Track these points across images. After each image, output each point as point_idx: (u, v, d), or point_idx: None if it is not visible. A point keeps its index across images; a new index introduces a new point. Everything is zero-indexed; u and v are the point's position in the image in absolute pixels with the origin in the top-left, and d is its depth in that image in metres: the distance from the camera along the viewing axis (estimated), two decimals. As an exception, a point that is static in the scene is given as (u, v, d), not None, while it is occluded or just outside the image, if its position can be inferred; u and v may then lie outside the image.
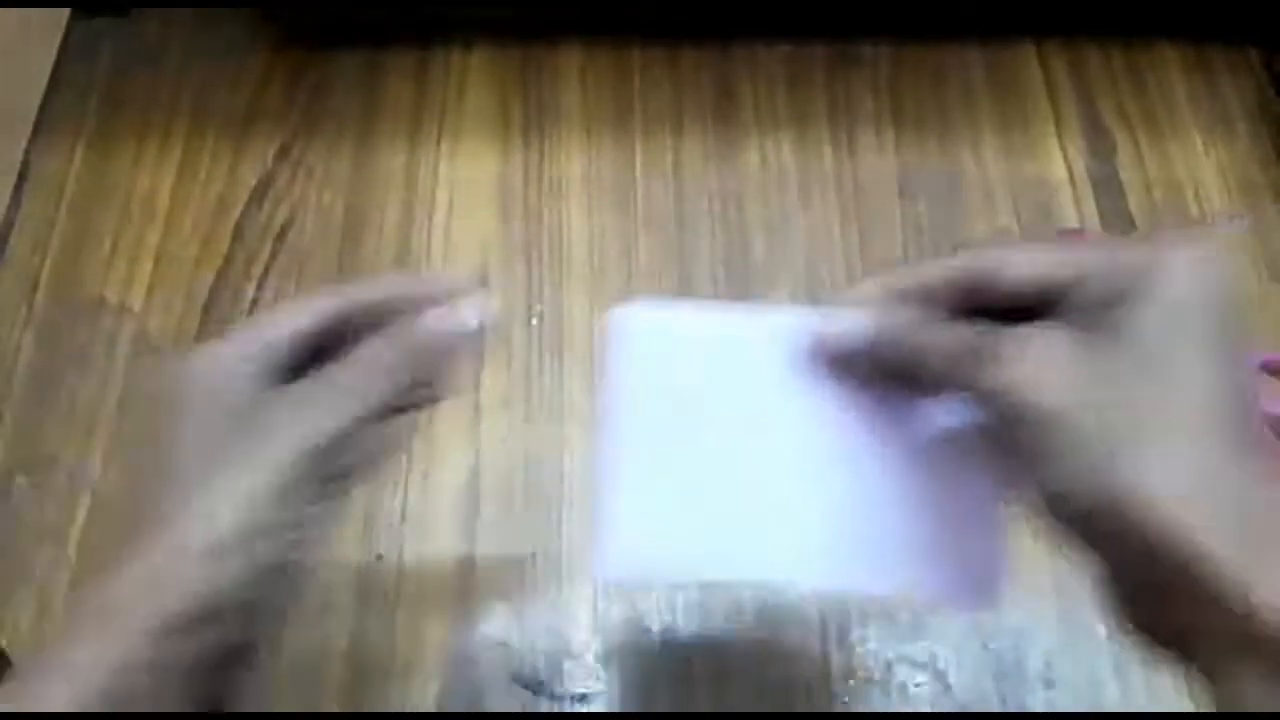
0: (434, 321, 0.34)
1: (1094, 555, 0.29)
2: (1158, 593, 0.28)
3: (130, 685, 0.28)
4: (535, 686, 0.52)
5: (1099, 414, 0.27)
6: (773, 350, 0.36)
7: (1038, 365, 0.29)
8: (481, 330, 0.34)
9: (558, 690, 0.52)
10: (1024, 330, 0.30)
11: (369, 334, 0.33)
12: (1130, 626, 0.30)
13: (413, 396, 0.34)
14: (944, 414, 0.35)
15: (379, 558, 0.54)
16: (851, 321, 0.34)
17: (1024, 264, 0.31)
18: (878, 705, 0.51)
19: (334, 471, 0.32)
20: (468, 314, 0.34)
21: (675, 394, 0.37)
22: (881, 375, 0.34)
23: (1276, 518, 0.26)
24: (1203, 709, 0.30)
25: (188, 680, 0.30)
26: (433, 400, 0.37)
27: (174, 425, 0.31)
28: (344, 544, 0.54)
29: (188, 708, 0.30)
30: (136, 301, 0.61)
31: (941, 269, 0.33)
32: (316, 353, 0.34)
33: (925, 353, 0.32)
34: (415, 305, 0.34)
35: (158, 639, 0.29)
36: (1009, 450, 0.30)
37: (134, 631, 0.29)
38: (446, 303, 0.34)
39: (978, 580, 0.36)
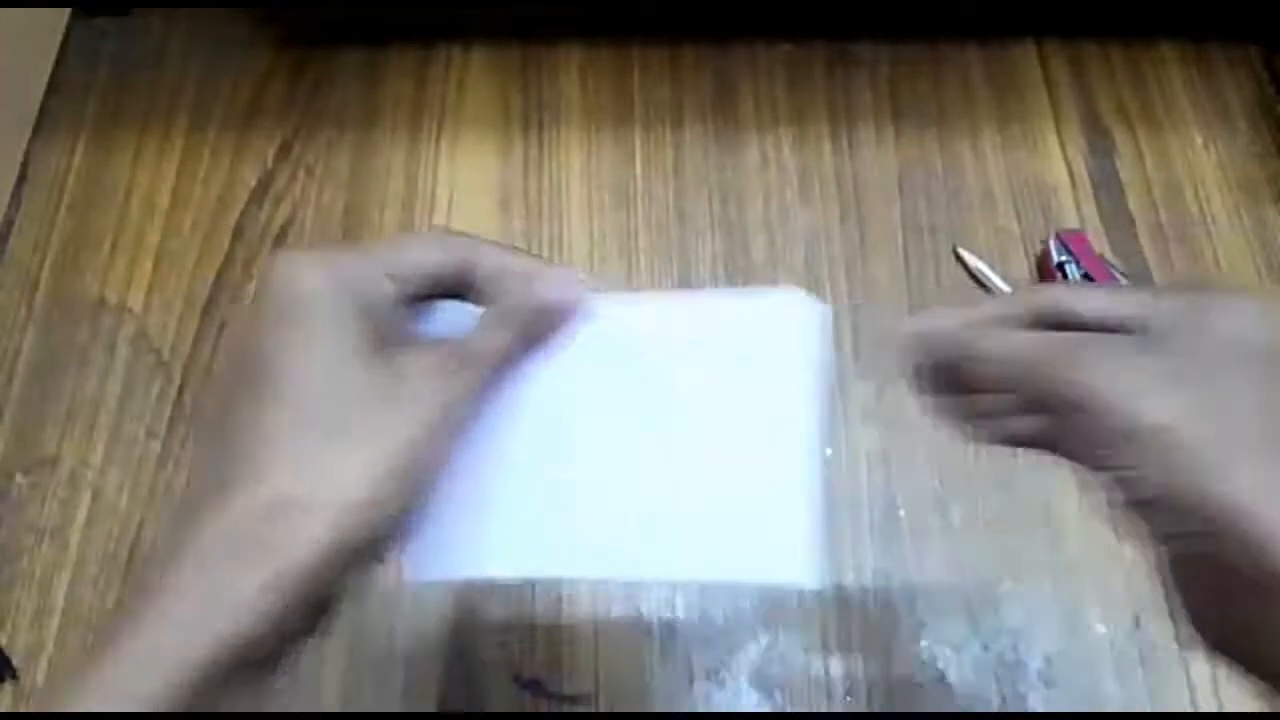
0: (551, 288, 0.33)
1: (1181, 562, 0.30)
2: (1239, 596, 0.28)
3: (284, 622, 0.27)
4: (535, 686, 0.52)
5: (1193, 425, 0.28)
6: (594, 339, 0.35)
7: (1124, 369, 0.29)
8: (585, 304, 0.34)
9: (558, 690, 0.52)
10: (1102, 334, 0.31)
11: (483, 290, 0.33)
12: (1206, 631, 0.31)
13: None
14: (757, 389, 0.35)
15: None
16: (943, 321, 0.34)
17: (1101, 299, 0.32)
18: (878, 705, 0.51)
19: (473, 417, 0.32)
20: (574, 286, 0.34)
21: (555, 385, 0.35)
22: (947, 377, 0.34)
23: None
24: (1202, 709, 0.30)
25: (322, 612, 0.29)
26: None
27: (332, 337, 0.29)
28: (344, 543, 0.54)
29: (303, 643, 0.29)
30: (136, 301, 0.61)
31: (1020, 303, 0.34)
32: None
33: (1010, 350, 0.32)
34: (525, 274, 0.33)
35: (317, 569, 0.27)
36: (1079, 453, 0.30)
37: (291, 565, 0.27)
38: (549, 278, 0.33)
39: (794, 553, 0.35)
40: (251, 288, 0.62)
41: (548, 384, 0.35)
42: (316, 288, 0.29)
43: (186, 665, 0.26)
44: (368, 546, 0.28)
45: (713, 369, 0.36)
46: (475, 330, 0.32)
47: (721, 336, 0.37)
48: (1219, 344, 0.30)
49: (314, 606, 0.28)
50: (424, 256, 0.32)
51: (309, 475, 0.28)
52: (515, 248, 0.34)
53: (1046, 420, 0.32)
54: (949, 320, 0.34)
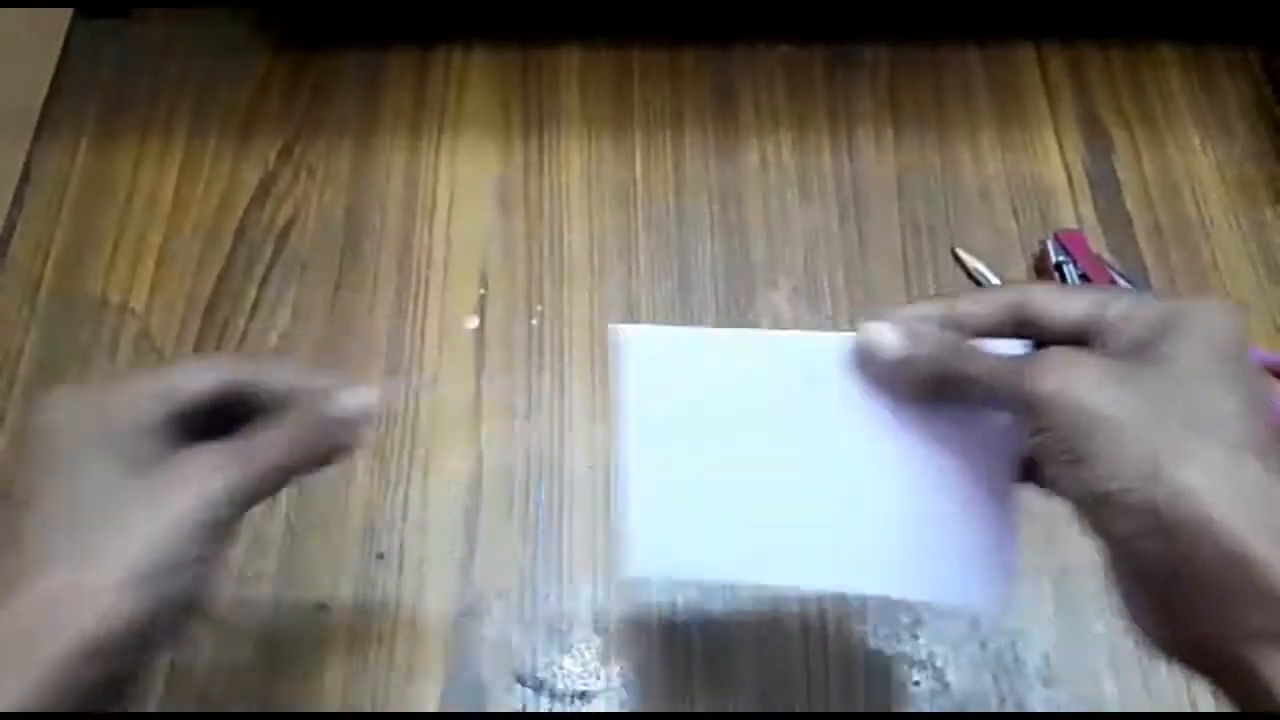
0: (342, 403, 0.36)
1: (1127, 558, 0.31)
2: (1191, 592, 0.29)
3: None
4: (535, 686, 0.52)
5: (1144, 424, 0.29)
6: (778, 367, 0.38)
7: (1085, 375, 0.31)
8: (373, 419, 0.37)
9: (558, 689, 0.52)
10: (1068, 349, 0.32)
11: (270, 409, 0.36)
12: (1151, 630, 0.32)
13: (308, 469, 0.37)
14: (956, 424, 0.36)
15: (379, 557, 0.54)
16: (891, 335, 0.35)
17: (1067, 302, 0.34)
18: (878, 704, 0.51)
19: (236, 521, 0.34)
20: (366, 400, 0.37)
21: (687, 408, 0.38)
22: (918, 389, 0.35)
23: None
24: (1201, 709, 0.30)
25: (84, 705, 0.30)
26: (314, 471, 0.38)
27: (80, 463, 0.32)
28: (344, 544, 0.55)
29: None
30: (139, 302, 0.62)
31: (986, 302, 0.35)
32: (208, 416, 0.36)
33: (968, 363, 0.34)
34: (314, 391, 0.36)
35: (61, 668, 0.29)
36: (1047, 456, 0.31)
37: (39, 662, 0.29)
38: (341, 393, 0.36)
39: (986, 582, 0.37)
40: (254, 288, 0.62)
41: (762, 407, 0.38)
42: (62, 420, 0.33)
43: None
44: (116, 652, 0.30)
45: (920, 403, 0.37)
46: (252, 433, 0.35)
47: None
48: (1184, 349, 0.31)
49: (71, 703, 0.30)
50: (191, 382, 0.35)
51: (56, 591, 0.30)
52: (302, 369, 0.37)
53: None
54: (925, 325, 0.35)
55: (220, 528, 0.33)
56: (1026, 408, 0.31)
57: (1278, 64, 0.70)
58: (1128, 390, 0.30)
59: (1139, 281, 0.63)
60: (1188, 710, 0.51)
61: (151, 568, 0.31)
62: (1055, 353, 0.32)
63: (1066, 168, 0.67)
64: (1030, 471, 0.36)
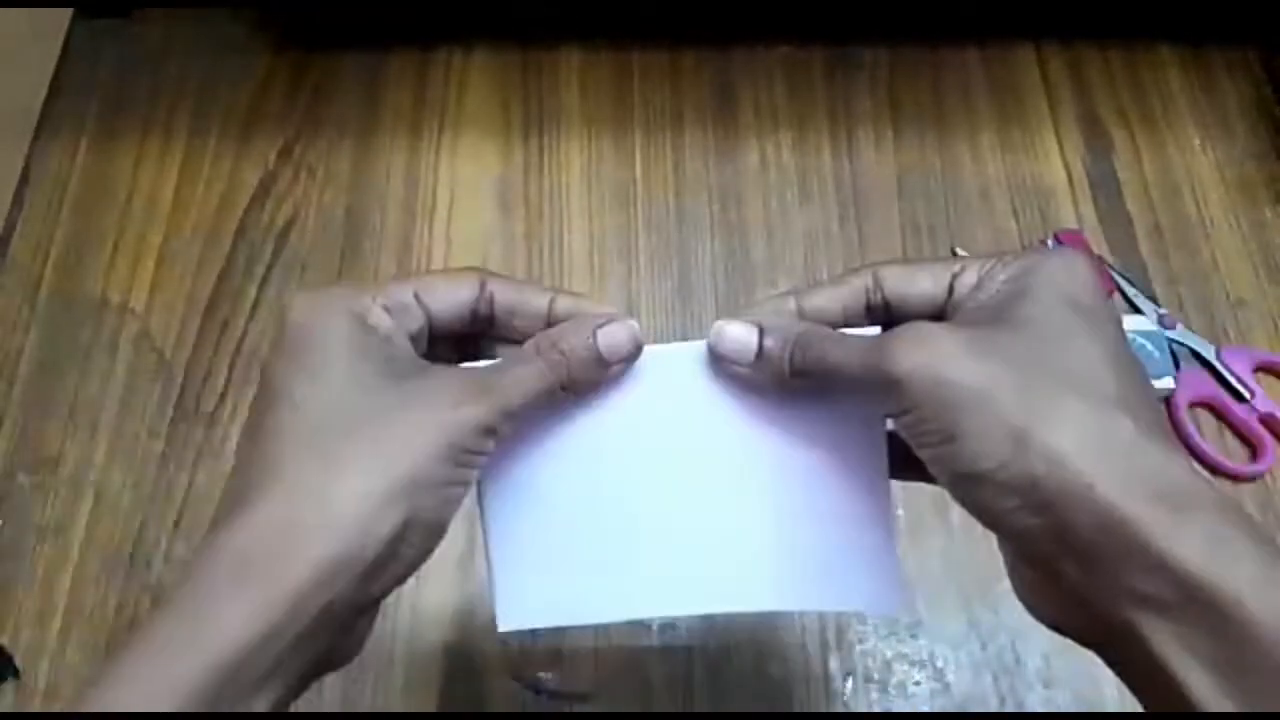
0: (612, 337, 0.34)
1: (1009, 534, 0.29)
2: (1075, 562, 0.28)
3: (271, 646, 0.27)
4: (535, 686, 0.52)
5: (1009, 392, 0.28)
6: (631, 384, 0.36)
7: (943, 348, 0.29)
8: (636, 355, 0.35)
9: (558, 690, 0.52)
10: (921, 323, 0.31)
11: (522, 333, 0.34)
12: (1040, 606, 0.31)
13: (563, 401, 0.35)
14: (820, 423, 0.35)
15: None
16: (745, 331, 0.34)
17: (916, 276, 0.33)
18: (878, 705, 0.51)
19: (485, 449, 0.31)
20: (629, 336, 0.34)
21: (541, 437, 0.35)
22: (778, 385, 0.34)
23: (1187, 481, 0.27)
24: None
25: (325, 633, 0.28)
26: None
27: (334, 366, 0.30)
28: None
29: (311, 664, 0.29)
30: (139, 302, 0.62)
31: (837, 290, 0.34)
32: (463, 333, 0.34)
33: (827, 350, 0.32)
34: (576, 324, 0.34)
35: (304, 588, 0.27)
36: (916, 438, 0.30)
37: (286, 582, 0.27)
38: (605, 328, 0.34)
39: (875, 582, 0.37)
40: (254, 288, 0.62)
41: (614, 429, 0.36)
42: (323, 322, 0.31)
43: (171, 687, 0.26)
44: (366, 569, 0.28)
45: (780, 407, 0.36)
46: (503, 364, 0.33)
47: None
48: (1040, 307, 0.30)
49: (314, 632, 0.28)
50: (454, 292, 0.33)
51: (304, 498, 0.28)
52: (566, 291, 0.35)
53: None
54: (777, 319, 0.34)
55: (470, 454, 0.30)
56: (887, 388, 0.29)
57: (1277, 64, 0.71)
58: (989, 359, 0.29)
59: (1139, 281, 0.63)
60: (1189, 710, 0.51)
61: (403, 483, 0.29)
62: (910, 328, 0.30)
63: (1066, 168, 0.67)
64: (907, 463, 0.34)
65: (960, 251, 0.63)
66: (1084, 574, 0.28)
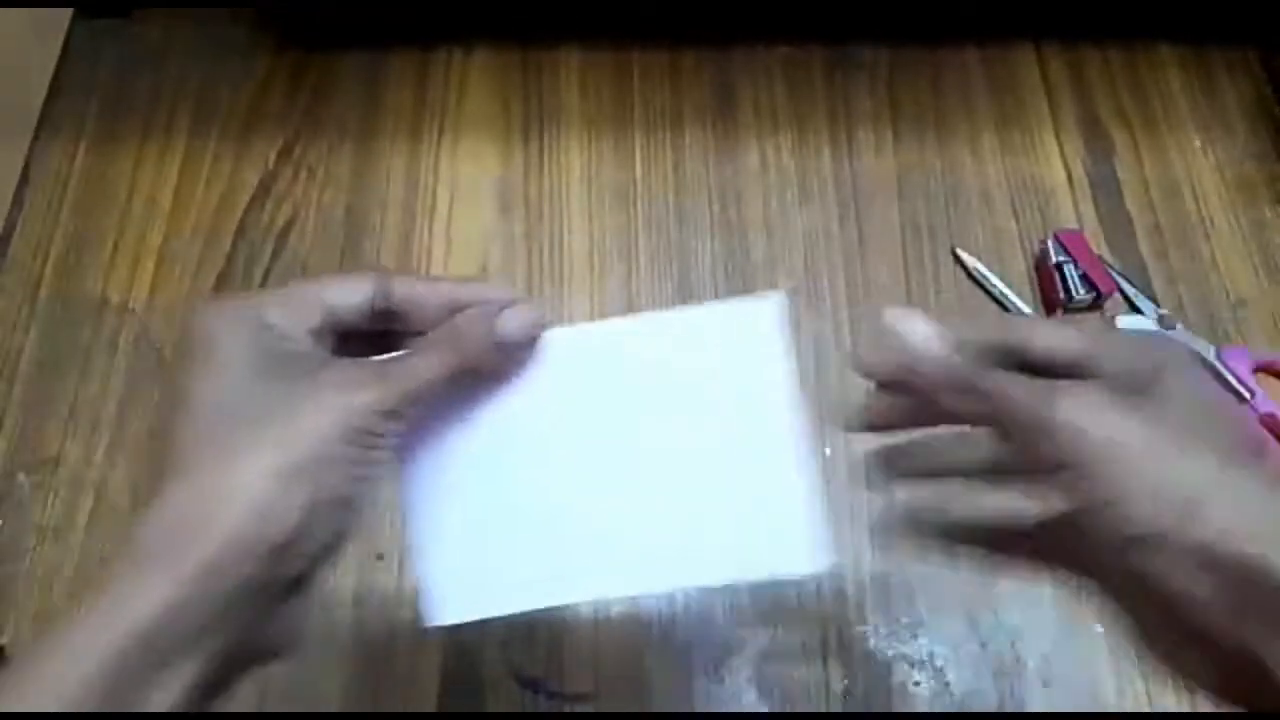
0: (507, 323, 0.34)
1: (1172, 597, 0.29)
2: (1241, 621, 0.29)
3: (182, 618, 0.28)
4: (535, 686, 0.52)
5: (1174, 458, 0.29)
6: (559, 365, 0.36)
7: (1106, 409, 0.30)
8: (536, 340, 0.36)
9: (558, 690, 0.52)
10: (1081, 381, 0.32)
11: (428, 325, 0.35)
12: (1188, 664, 0.32)
13: (464, 386, 0.36)
14: (734, 394, 0.36)
15: (379, 558, 0.54)
16: (934, 330, 0.34)
17: (1056, 337, 0.33)
18: (878, 705, 0.51)
19: (394, 430, 0.33)
20: (528, 320, 0.35)
21: (461, 419, 0.36)
22: (942, 392, 0.33)
23: None
24: (1201, 709, 0.30)
25: (240, 613, 0.30)
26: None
27: (233, 365, 0.32)
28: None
29: (233, 645, 0.30)
30: (139, 301, 0.62)
31: (981, 329, 0.35)
32: (366, 334, 0.35)
33: (993, 378, 0.32)
34: (473, 311, 0.35)
35: (212, 566, 0.29)
36: (1073, 496, 0.30)
37: (191, 560, 0.29)
38: (503, 314, 0.35)
39: (795, 544, 0.36)
40: (254, 288, 0.62)
41: (526, 414, 0.36)
42: (215, 326, 0.32)
43: (92, 652, 0.27)
44: (274, 548, 0.30)
45: (686, 381, 0.37)
46: (406, 353, 0.34)
47: (689, 350, 0.37)
48: (1182, 388, 0.31)
49: (226, 609, 0.29)
50: (347, 293, 0.34)
51: (206, 484, 0.30)
52: (473, 279, 0.35)
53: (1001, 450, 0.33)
54: (932, 342, 0.34)
55: (371, 436, 0.32)
56: (1049, 435, 0.30)
57: (1277, 64, 0.71)
58: (1152, 425, 0.29)
59: (1139, 281, 0.63)
60: (1187, 710, 0.51)
61: (301, 461, 0.30)
62: (1074, 384, 0.31)
63: (1066, 168, 0.67)
64: (1005, 543, 0.35)
65: (961, 252, 0.63)
66: (1243, 640, 0.28)
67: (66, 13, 0.71)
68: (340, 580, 0.54)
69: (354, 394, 0.32)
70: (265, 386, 0.31)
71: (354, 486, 0.32)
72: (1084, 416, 0.30)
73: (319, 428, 0.31)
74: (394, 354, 0.34)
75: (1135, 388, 0.31)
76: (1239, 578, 0.28)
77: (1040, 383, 0.32)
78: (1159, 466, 0.29)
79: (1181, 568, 0.29)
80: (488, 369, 0.35)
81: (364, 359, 0.34)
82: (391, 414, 0.32)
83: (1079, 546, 0.32)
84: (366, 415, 0.31)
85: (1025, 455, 0.32)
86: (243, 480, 0.30)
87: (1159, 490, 0.29)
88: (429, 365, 0.33)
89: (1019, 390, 0.31)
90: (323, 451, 0.31)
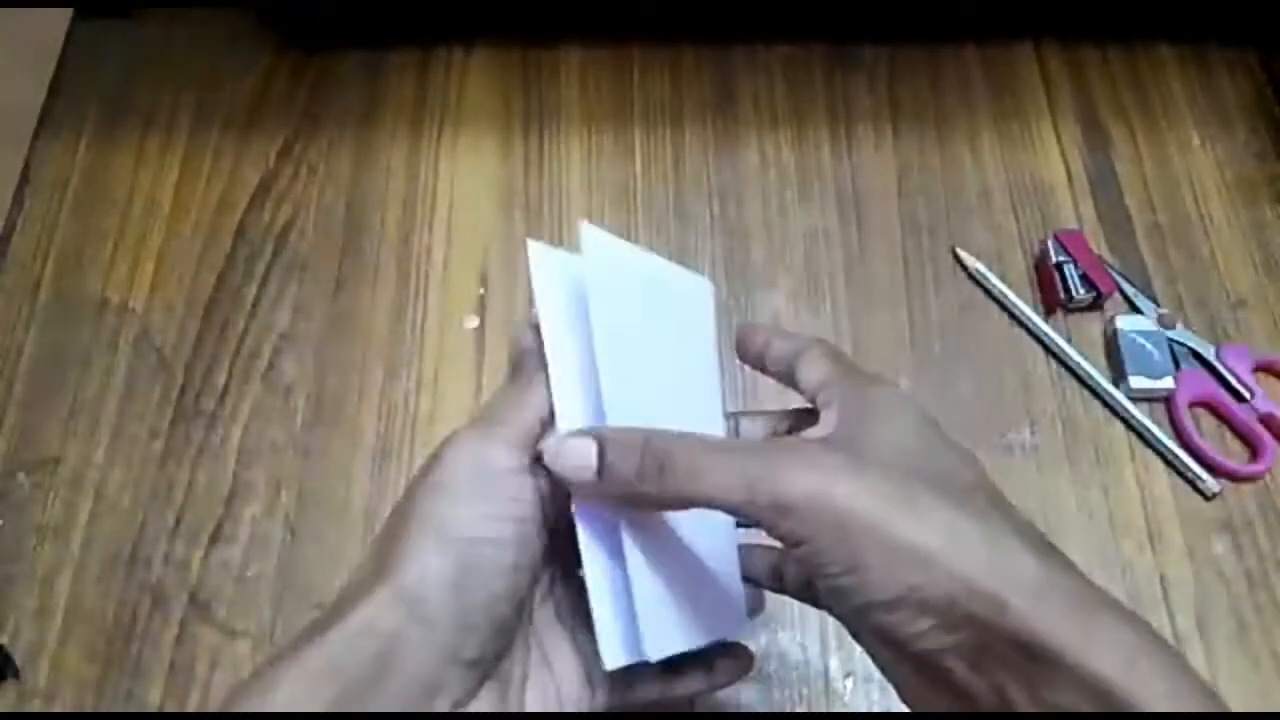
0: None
1: (918, 654, 0.29)
2: (984, 676, 0.29)
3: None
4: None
5: (905, 516, 0.29)
6: None
7: (831, 473, 0.30)
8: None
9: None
10: (802, 443, 0.33)
11: None
12: (926, 706, 0.31)
13: None
14: None
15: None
16: (585, 445, 0.33)
17: (782, 350, 0.38)
18: (878, 705, 0.51)
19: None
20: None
21: None
22: (635, 501, 0.34)
23: (1088, 591, 0.29)
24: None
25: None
26: None
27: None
28: (344, 544, 0.55)
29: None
30: (139, 301, 0.62)
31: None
32: None
33: (701, 468, 0.31)
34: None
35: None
36: (815, 568, 0.30)
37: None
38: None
39: (736, 611, 0.38)
40: (254, 287, 0.62)
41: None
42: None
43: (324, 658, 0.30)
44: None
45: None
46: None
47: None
48: (896, 432, 0.32)
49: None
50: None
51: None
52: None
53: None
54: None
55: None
56: (780, 514, 0.29)
57: (1277, 63, 0.70)
58: (877, 480, 0.29)
59: (1138, 280, 0.63)
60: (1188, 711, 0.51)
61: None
62: (793, 450, 0.32)
63: (1066, 166, 0.67)
64: (777, 578, 0.38)
65: (961, 252, 0.63)
66: (996, 687, 0.28)
67: (66, 12, 0.71)
68: (340, 580, 0.54)
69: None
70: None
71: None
72: (803, 486, 0.29)
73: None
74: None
75: (847, 433, 0.32)
76: (978, 627, 0.28)
77: (740, 448, 0.33)
78: (891, 528, 0.28)
79: (923, 625, 0.28)
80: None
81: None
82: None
83: (830, 606, 0.32)
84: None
85: (765, 528, 0.30)
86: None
87: (894, 552, 0.28)
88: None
89: (719, 475, 0.30)
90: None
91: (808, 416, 0.37)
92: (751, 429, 0.40)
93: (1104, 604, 0.28)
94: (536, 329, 0.36)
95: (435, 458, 0.34)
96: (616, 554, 0.34)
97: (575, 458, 0.32)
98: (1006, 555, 0.28)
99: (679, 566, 0.36)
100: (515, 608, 0.33)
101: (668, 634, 0.35)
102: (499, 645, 0.33)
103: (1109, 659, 0.27)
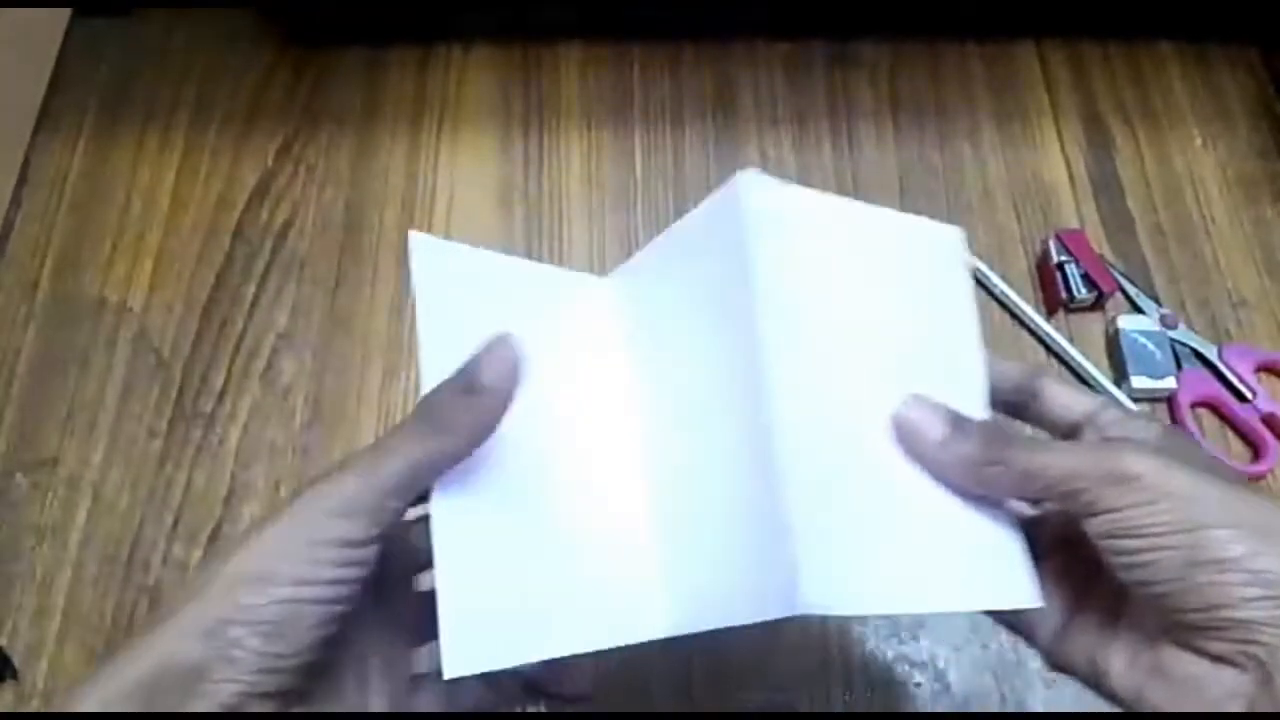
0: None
1: (1238, 622, 0.30)
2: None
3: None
4: (535, 686, 0.51)
5: (1234, 497, 0.30)
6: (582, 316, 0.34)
7: (1164, 460, 0.31)
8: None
9: (558, 690, 0.51)
10: (1127, 439, 0.34)
11: None
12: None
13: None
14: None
15: None
16: (933, 413, 0.34)
17: (1067, 395, 0.37)
18: (878, 705, 0.51)
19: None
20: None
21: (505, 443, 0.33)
22: (966, 472, 0.34)
23: None
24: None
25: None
26: None
27: None
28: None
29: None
30: (137, 300, 0.61)
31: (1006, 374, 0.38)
32: None
33: (1043, 456, 0.33)
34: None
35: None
36: (1147, 529, 0.31)
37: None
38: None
39: (1020, 579, 0.35)
40: (252, 286, 0.62)
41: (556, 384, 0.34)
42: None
43: (128, 680, 0.29)
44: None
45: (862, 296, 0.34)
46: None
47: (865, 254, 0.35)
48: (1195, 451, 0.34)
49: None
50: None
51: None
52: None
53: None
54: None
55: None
56: (1124, 482, 0.31)
57: (1278, 61, 0.70)
58: (1203, 475, 0.31)
59: (1140, 280, 0.62)
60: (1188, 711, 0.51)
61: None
62: (1122, 441, 0.34)
63: (1068, 165, 0.67)
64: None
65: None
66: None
67: (65, 11, 0.71)
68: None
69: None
70: None
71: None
72: (1146, 463, 0.31)
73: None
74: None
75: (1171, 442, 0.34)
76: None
77: (1078, 445, 0.35)
78: (1229, 500, 0.30)
79: (1256, 593, 0.29)
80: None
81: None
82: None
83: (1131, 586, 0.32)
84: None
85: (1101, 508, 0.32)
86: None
87: (1234, 519, 0.30)
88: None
89: (1068, 459, 0.32)
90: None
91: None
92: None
93: None
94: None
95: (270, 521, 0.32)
96: (474, 550, 0.32)
97: (921, 424, 0.34)
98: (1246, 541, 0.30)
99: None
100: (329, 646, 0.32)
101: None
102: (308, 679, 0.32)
103: None
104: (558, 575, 0.34)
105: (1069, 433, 0.36)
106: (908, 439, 0.34)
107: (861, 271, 0.35)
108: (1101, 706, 0.49)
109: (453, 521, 0.32)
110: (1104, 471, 0.31)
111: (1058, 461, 0.32)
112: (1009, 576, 0.34)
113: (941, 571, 0.33)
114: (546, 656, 0.33)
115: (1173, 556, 0.30)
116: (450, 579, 0.31)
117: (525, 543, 0.33)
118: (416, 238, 0.34)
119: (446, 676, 0.30)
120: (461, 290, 0.34)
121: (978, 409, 0.36)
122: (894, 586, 0.32)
